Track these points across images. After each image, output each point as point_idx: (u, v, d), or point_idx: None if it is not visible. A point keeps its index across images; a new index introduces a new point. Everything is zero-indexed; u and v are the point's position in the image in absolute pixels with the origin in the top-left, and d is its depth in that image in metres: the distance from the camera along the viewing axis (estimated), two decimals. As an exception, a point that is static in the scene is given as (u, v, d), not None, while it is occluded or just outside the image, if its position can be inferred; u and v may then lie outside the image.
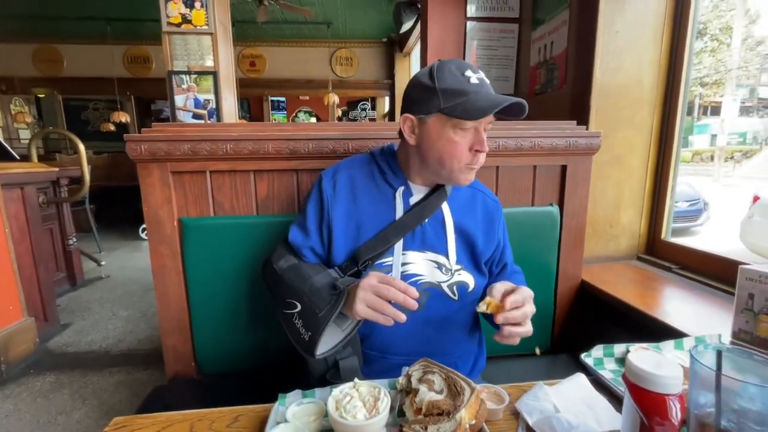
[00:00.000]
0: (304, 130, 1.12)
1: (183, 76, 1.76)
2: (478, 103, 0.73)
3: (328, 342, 0.73)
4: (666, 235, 1.41)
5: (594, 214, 1.27)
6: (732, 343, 0.83)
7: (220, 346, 1.15)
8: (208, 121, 1.88)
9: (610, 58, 1.34)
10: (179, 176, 1.10)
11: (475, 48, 1.93)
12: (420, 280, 0.84)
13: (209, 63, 1.81)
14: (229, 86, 2.01)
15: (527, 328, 0.69)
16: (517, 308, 0.69)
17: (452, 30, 1.91)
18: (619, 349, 0.77)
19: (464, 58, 1.93)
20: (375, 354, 0.85)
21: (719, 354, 0.43)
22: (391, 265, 0.84)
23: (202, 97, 1.80)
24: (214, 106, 1.81)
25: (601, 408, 0.60)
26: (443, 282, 0.85)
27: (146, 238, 1.12)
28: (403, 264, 0.84)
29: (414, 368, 0.65)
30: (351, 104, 7.47)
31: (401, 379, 0.64)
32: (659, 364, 0.44)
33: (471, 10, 1.90)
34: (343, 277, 0.82)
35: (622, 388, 0.67)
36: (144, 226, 1.11)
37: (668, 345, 0.77)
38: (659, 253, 1.42)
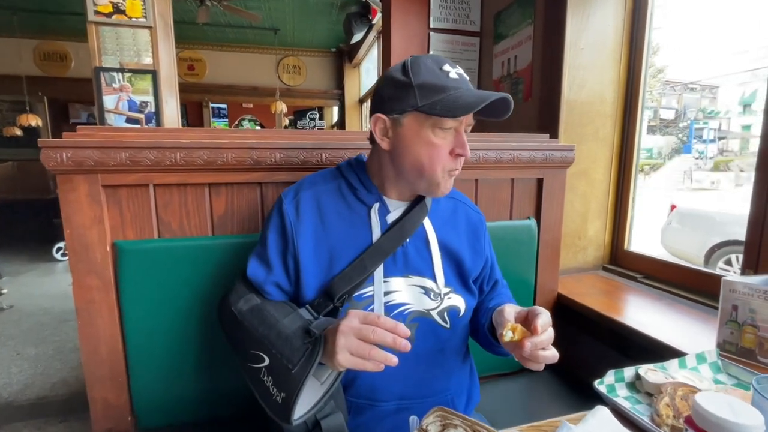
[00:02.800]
0: (269, 138, 0.98)
1: (114, 74, 1.51)
2: (461, 99, 0.64)
3: (305, 401, 0.59)
4: (628, 245, 1.46)
5: (564, 227, 1.27)
6: (719, 356, 0.84)
7: (165, 395, 0.96)
8: (146, 126, 1.64)
9: (576, 74, 1.37)
10: (114, 191, 0.90)
11: (438, 59, 1.91)
12: (407, 309, 0.73)
13: (147, 60, 1.58)
14: (170, 89, 1.78)
15: (554, 352, 0.61)
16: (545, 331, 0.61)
17: (416, 40, 1.87)
18: (628, 372, 0.73)
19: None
20: (363, 402, 0.72)
21: (801, 394, 0.38)
22: (372, 296, 0.72)
23: (138, 98, 1.56)
24: (153, 110, 1.58)
25: (635, 448, 0.55)
26: (432, 309, 0.75)
27: (62, 258, 0.91)
28: (386, 293, 0.72)
29: (428, 420, 0.54)
30: (298, 113, 7.24)
31: (415, 436, 0.53)
32: (734, 410, 0.39)
33: (433, 21, 1.88)
34: (316, 317, 0.69)
35: (645, 419, 0.62)
36: (60, 245, 0.89)
37: (673, 364, 0.75)
38: (623, 262, 1.46)
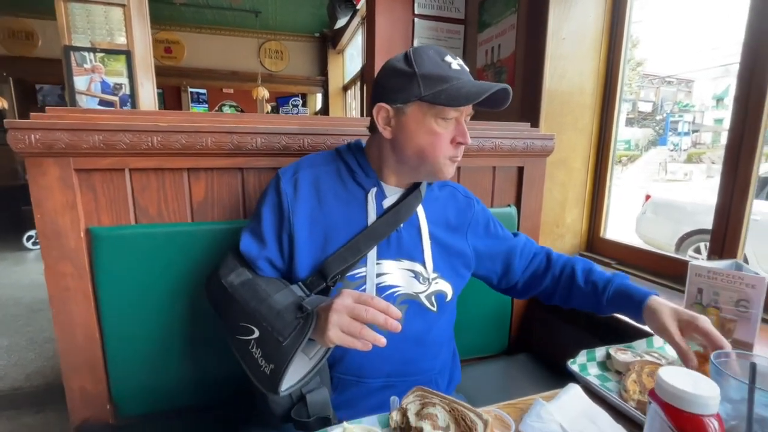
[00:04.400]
0: (250, 123, 0.96)
1: (86, 54, 1.44)
2: (464, 89, 0.67)
3: (293, 374, 0.60)
4: (604, 233, 1.51)
5: (543, 215, 1.30)
6: (684, 336, 0.88)
7: (145, 383, 0.95)
8: (122, 109, 1.57)
9: (557, 64, 1.38)
10: (87, 175, 0.87)
11: (422, 46, 1.89)
12: (397, 292, 0.76)
13: (121, 40, 1.51)
14: (146, 71, 1.72)
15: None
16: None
17: (400, 26, 1.85)
18: (599, 352, 0.76)
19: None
20: (349, 379, 0.74)
21: (753, 367, 0.41)
22: (364, 276, 0.74)
23: (111, 80, 1.49)
24: (127, 92, 1.52)
25: (604, 422, 0.58)
26: (421, 293, 0.77)
27: (33, 247, 0.88)
28: (378, 275, 0.75)
29: (408, 399, 0.56)
30: (281, 100, 7.10)
31: (395, 415, 0.55)
32: (696, 382, 0.41)
33: (418, 7, 1.86)
34: (309, 295, 0.71)
35: (613, 395, 0.66)
36: (31, 233, 0.86)
37: (641, 344, 0.79)
38: (599, 249, 1.51)
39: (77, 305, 0.88)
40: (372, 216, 0.75)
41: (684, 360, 0.67)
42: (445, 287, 0.80)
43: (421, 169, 0.74)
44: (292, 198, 0.74)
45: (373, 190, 0.76)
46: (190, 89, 6.67)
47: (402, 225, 0.76)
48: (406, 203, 0.76)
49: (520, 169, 1.23)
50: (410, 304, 0.77)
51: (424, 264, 0.77)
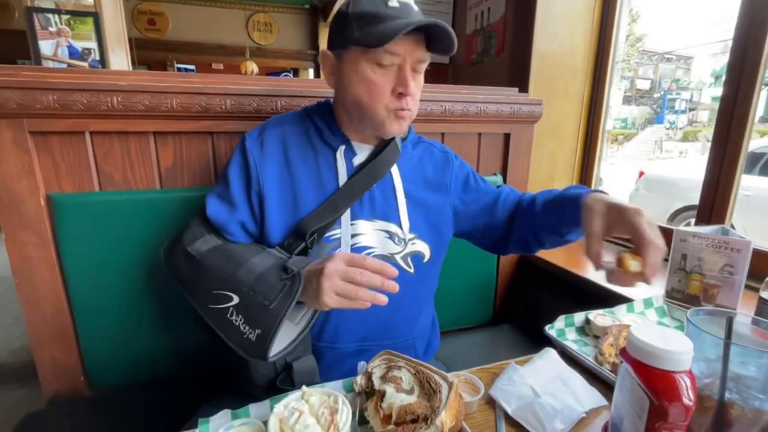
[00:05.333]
0: (218, 83, 0.91)
1: (50, 16, 1.35)
2: (389, 27, 0.60)
3: (280, 340, 0.57)
4: (593, 204, 1.48)
5: (531, 185, 1.27)
6: (666, 301, 0.86)
7: (118, 353, 0.93)
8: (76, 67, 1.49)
9: (548, 23, 1.32)
10: (44, 138, 0.82)
11: (410, 11, 1.81)
12: (372, 252, 0.73)
13: (88, 1, 1.42)
14: (118, 36, 1.63)
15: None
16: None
17: (386, -12, 1.76)
18: (578, 317, 0.75)
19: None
20: (323, 346, 0.72)
21: (730, 321, 0.38)
22: (339, 238, 0.71)
23: (79, 45, 1.41)
24: (97, 58, 1.44)
25: (577, 385, 0.56)
26: (396, 254, 0.74)
27: None
28: (353, 236, 0.72)
29: (374, 364, 0.54)
30: (272, 75, 6.91)
31: (359, 379, 0.52)
32: (666, 338, 0.39)
33: (405, -32, 1.76)
34: (290, 257, 0.67)
35: (589, 359, 0.64)
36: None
37: (621, 309, 0.77)
38: (587, 221, 1.48)
39: (41, 275, 0.85)
40: (343, 175, 0.71)
41: (592, 259, 0.57)
42: (423, 248, 0.77)
43: (365, 123, 0.69)
44: (260, 158, 0.70)
45: (342, 149, 0.72)
46: (177, 65, 6.45)
47: (376, 184, 0.73)
48: (383, 158, 0.72)
49: (507, 136, 1.19)
50: None
51: (399, 224, 0.74)
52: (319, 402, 0.44)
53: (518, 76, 1.36)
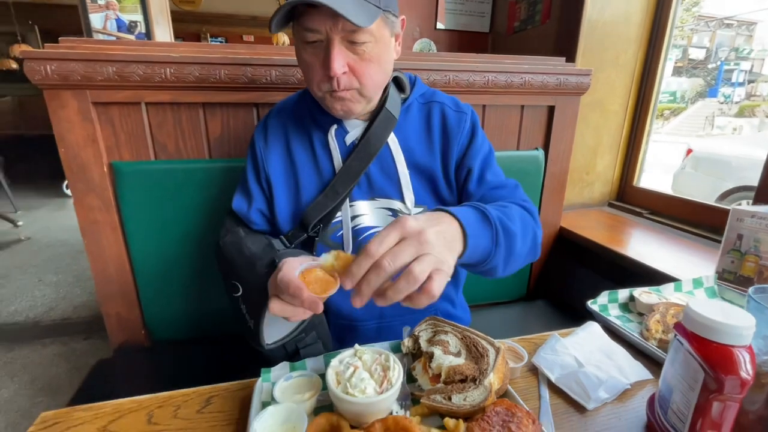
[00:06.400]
0: (265, 54, 0.92)
1: (99, -11, 1.40)
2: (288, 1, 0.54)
3: (276, 330, 0.56)
4: (638, 181, 1.42)
5: (573, 161, 1.22)
6: (717, 282, 0.84)
7: (173, 311, 1.00)
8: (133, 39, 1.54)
9: (601, -11, 1.23)
10: (105, 108, 0.87)
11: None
12: (375, 232, 0.71)
13: (132, -26, 1.45)
14: (161, 9, 1.66)
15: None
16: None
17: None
18: (622, 294, 0.74)
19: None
20: (344, 323, 0.74)
21: (798, 298, 0.37)
22: (341, 221, 0.71)
23: (126, 17, 1.46)
24: (143, 31, 1.48)
25: (621, 358, 0.56)
26: None
27: (71, 194, 0.90)
28: (353, 217, 0.71)
29: (420, 327, 0.56)
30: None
31: (407, 341, 0.55)
32: (726, 313, 0.38)
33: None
34: (288, 248, 0.69)
35: (635, 334, 0.64)
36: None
37: (668, 287, 0.75)
38: (630, 198, 1.43)
39: (106, 237, 0.92)
40: (337, 157, 0.69)
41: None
42: None
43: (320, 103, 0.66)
44: (264, 147, 0.73)
45: (333, 129, 0.70)
46: (210, 38, 6.51)
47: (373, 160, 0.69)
48: (374, 132, 0.68)
49: (551, 109, 1.15)
50: None
51: (402, 199, 0.71)
52: (371, 359, 0.47)
53: (565, 44, 1.29)
